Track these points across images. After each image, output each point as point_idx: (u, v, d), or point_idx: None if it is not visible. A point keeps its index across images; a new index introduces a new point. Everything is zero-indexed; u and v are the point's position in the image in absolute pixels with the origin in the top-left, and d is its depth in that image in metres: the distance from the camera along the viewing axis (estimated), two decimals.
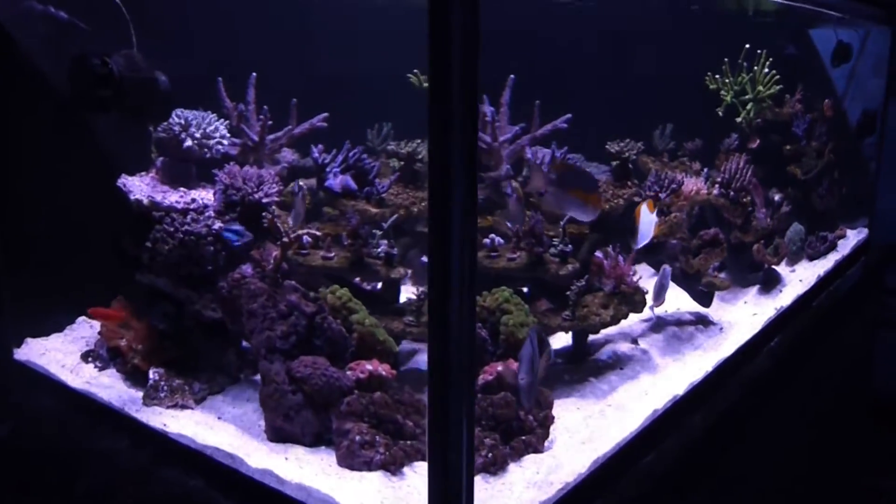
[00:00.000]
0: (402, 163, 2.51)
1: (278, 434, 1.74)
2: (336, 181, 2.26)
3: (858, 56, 3.69)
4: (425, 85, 2.76)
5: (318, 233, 2.00)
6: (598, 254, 1.94)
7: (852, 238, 3.57)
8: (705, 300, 2.52)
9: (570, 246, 2.04)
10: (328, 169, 2.31)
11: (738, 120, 3.12)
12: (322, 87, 2.73)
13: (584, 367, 2.10)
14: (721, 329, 2.51)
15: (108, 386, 1.97)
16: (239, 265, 1.98)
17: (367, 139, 3.07)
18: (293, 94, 2.48)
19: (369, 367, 1.75)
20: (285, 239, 1.88)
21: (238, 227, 2.00)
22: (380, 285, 2.24)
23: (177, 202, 2.11)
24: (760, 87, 3.05)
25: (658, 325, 2.42)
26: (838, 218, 3.57)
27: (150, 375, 1.93)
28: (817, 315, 2.78)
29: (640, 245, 1.91)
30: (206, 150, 2.22)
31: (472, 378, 1.26)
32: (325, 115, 2.49)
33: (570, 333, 2.17)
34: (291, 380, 1.74)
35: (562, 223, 2.08)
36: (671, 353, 2.27)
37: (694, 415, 1.97)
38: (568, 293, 2.01)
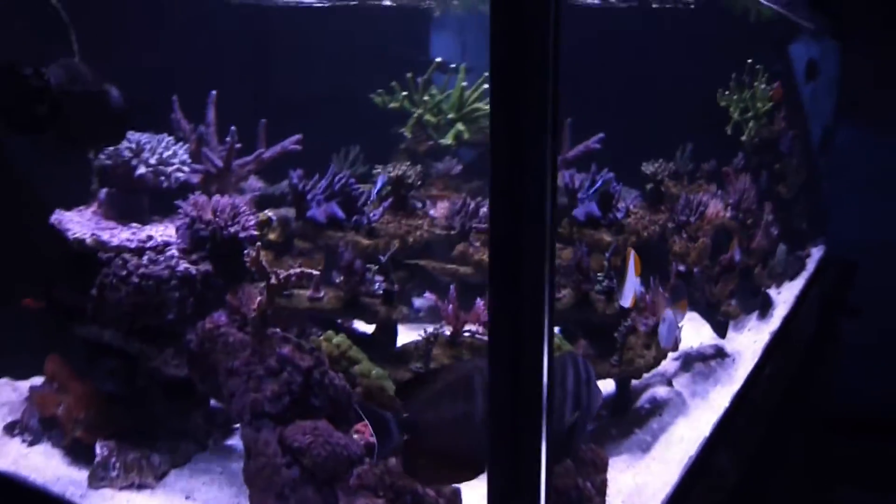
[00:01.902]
0: (390, 188, 2.25)
1: None
2: (320, 210, 1.97)
3: (819, 72, 3.68)
4: (391, 105, 2.70)
5: (314, 271, 1.70)
6: (639, 288, 1.73)
7: (815, 256, 3.54)
8: (722, 330, 2.38)
9: (615, 281, 1.82)
10: (310, 196, 2.02)
11: (743, 139, 3.04)
12: (276, 109, 2.49)
13: (628, 418, 1.89)
14: (734, 360, 2.40)
15: (43, 465, 1.73)
16: (210, 312, 1.66)
17: (332, 164, 2.82)
18: (244, 118, 2.24)
19: None
20: (273, 280, 1.56)
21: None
22: (372, 328, 1.94)
23: (128, 240, 1.87)
24: (759, 104, 2.95)
25: (685, 362, 2.28)
26: (808, 236, 3.53)
27: (97, 450, 1.68)
28: (792, 337, 2.74)
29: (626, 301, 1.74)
30: (162, 178, 1.95)
31: (550, 448, 0.99)
32: (299, 136, 2.22)
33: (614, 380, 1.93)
34: (285, 450, 1.46)
35: (607, 254, 1.85)
36: (699, 393, 2.15)
37: (719, 455, 1.88)
38: (616, 334, 1.77)
